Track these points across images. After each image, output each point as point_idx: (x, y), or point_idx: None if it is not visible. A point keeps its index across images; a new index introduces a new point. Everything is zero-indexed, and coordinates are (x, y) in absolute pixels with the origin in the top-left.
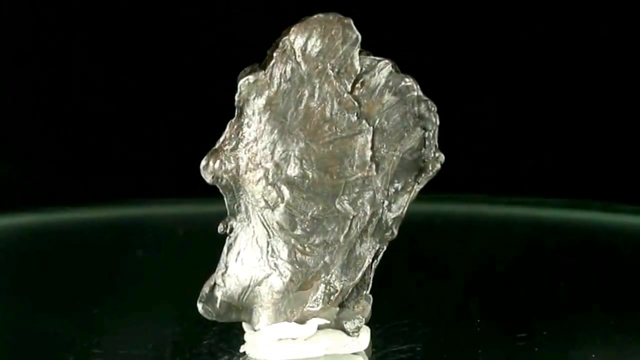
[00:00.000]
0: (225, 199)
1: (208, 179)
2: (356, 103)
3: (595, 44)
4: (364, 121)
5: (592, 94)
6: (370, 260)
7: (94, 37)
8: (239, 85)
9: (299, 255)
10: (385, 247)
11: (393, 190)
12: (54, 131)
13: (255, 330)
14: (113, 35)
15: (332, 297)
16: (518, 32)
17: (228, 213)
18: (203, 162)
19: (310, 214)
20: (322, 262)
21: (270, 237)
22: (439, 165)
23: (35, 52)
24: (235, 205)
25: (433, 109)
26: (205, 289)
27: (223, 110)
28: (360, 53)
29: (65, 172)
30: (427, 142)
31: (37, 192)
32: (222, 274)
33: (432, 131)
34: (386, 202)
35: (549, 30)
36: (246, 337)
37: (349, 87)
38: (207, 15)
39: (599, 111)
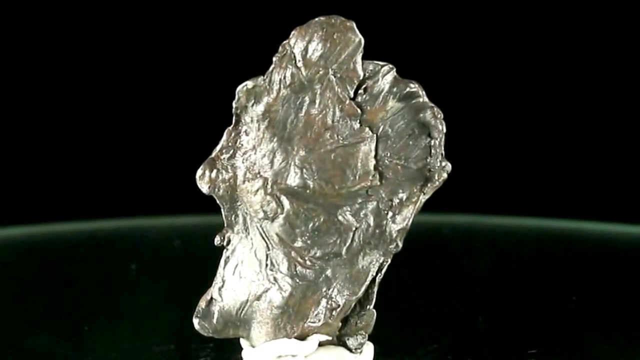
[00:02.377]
0: (222, 209)
1: (204, 189)
2: (359, 110)
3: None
4: (367, 128)
5: (604, 104)
6: (374, 274)
7: (87, 46)
8: (236, 92)
9: (299, 268)
10: (389, 260)
11: (397, 200)
12: (48, 142)
13: (253, 347)
14: (107, 44)
15: (333, 312)
16: (526, 36)
17: (225, 224)
18: (199, 172)
19: (311, 225)
20: (323, 275)
21: (269, 250)
22: (445, 175)
23: (21, 64)
24: (233, 216)
25: (439, 115)
26: (202, 304)
27: (220, 118)
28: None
29: (57, 184)
30: (433, 151)
31: (28, 205)
32: (219, 288)
33: (439, 139)
34: (390, 213)
35: (558, 34)
36: (244, 354)
37: (352, 93)
38: (204, 17)
39: (612, 120)
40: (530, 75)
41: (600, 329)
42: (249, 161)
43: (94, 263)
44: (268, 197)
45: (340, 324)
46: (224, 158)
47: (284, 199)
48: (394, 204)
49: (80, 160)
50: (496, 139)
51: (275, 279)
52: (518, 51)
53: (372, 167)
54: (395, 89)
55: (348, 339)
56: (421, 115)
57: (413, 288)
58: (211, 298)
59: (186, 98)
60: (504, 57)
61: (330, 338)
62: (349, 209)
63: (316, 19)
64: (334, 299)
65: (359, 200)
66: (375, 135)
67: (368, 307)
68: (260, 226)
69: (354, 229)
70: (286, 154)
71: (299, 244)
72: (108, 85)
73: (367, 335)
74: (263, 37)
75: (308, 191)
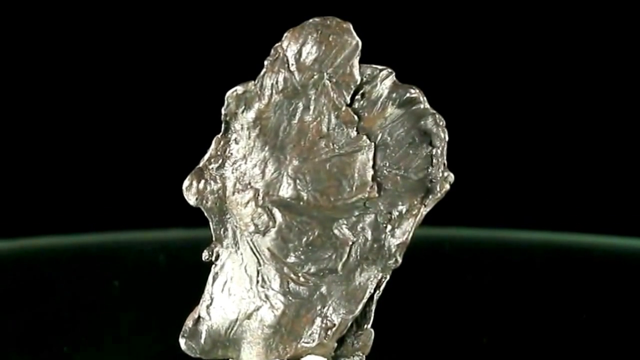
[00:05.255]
0: (210, 222)
1: (192, 200)
2: (356, 117)
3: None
4: (364, 137)
5: (614, 116)
6: (372, 291)
7: (66, 62)
8: (225, 97)
9: (292, 285)
10: (388, 277)
11: (397, 213)
12: (30, 154)
13: None
14: (90, 52)
15: (329, 332)
16: (535, 36)
17: (214, 238)
18: (186, 182)
19: (304, 239)
20: (317, 292)
21: (260, 265)
22: (447, 186)
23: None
24: (222, 229)
25: (441, 123)
26: (189, 323)
27: (208, 125)
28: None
29: (36, 196)
30: (434, 160)
31: (8, 219)
32: (207, 306)
33: (440, 148)
34: (389, 227)
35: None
36: None
37: (348, 99)
38: (191, 19)
39: (622, 133)
40: (538, 83)
41: (612, 347)
42: (239, 171)
43: (75, 279)
44: (259, 210)
45: (336, 344)
46: (212, 168)
47: (276, 211)
48: (393, 216)
49: (61, 172)
50: (501, 148)
51: (266, 296)
52: (526, 53)
53: (369, 178)
54: (394, 95)
55: None
56: (422, 122)
57: (413, 306)
58: (199, 317)
59: (172, 105)
60: (510, 61)
61: (325, 359)
62: (345, 222)
63: (310, 20)
64: (329, 318)
65: (356, 213)
66: (373, 143)
67: (365, 326)
68: (251, 240)
69: (350, 243)
70: (278, 164)
71: (292, 259)
72: (93, 94)
73: (364, 357)
74: (254, 39)
75: (302, 203)
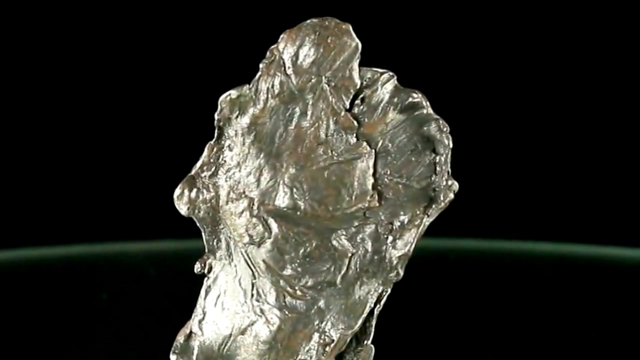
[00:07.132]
0: (202, 233)
1: (183, 210)
2: (355, 122)
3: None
4: (364, 143)
5: (622, 127)
6: (372, 305)
7: (50, 70)
8: (219, 102)
9: (288, 299)
10: (389, 290)
11: (398, 223)
12: (16, 163)
13: None
14: (76, 59)
15: (327, 348)
16: (541, 38)
17: (206, 250)
18: (177, 191)
19: (302, 251)
20: (315, 307)
21: (255, 278)
22: (451, 195)
23: None
24: (215, 240)
25: (445, 129)
26: (180, 339)
27: (201, 131)
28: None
29: (23, 207)
30: (437, 168)
31: None
32: (200, 321)
33: (444, 155)
34: (390, 238)
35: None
36: None
37: (347, 104)
38: (182, 20)
39: (631, 143)
40: (546, 87)
41: (617, 357)
42: (233, 179)
43: (62, 292)
44: (254, 220)
45: None
46: (204, 176)
47: (271, 221)
48: (394, 227)
49: (50, 182)
50: (507, 156)
51: (262, 310)
52: (535, 55)
53: (370, 187)
54: (396, 99)
55: None
56: (425, 128)
57: (415, 321)
58: (190, 332)
59: (163, 110)
60: (518, 64)
61: None
62: (344, 232)
63: (308, 21)
64: (327, 333)
65: (356, 223)
66: (373, 150)
67: (365, 342)
68: (246, 252)
69: (349, 255)
70: (274, 172)
71: (288, 271)
72: (82, 101)
73: None
74: (249, 41)
75: (299, 213)
